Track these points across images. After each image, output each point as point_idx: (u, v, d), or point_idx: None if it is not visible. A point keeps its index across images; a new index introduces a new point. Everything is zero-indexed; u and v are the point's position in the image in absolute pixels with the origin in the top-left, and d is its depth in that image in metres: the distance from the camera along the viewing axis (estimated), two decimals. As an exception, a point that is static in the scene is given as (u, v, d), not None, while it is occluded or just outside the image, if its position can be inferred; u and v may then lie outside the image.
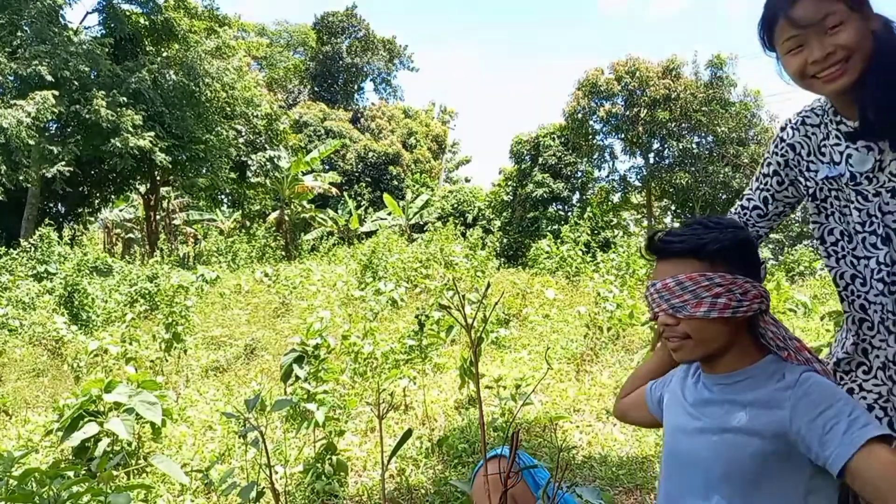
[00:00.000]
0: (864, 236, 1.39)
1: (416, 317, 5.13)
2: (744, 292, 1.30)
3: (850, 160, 1.39)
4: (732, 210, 1.68)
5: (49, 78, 14.76)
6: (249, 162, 21.77)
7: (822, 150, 1.46)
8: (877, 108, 1.31)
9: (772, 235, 30.48)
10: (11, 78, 15.37)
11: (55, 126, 16.87)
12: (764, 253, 16.04)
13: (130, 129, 15.92)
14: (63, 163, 15.26)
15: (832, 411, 1.21)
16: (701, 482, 1.34)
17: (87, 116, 15.47)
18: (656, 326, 1.43)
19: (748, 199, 1.63)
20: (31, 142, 14.45)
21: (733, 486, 1.29)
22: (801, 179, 1.51)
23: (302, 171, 25.01)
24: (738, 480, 1.28)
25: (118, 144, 15.65)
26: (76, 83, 15.64)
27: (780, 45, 1.36)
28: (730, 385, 1.36)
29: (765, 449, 1.26)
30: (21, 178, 14.74)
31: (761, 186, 1.61)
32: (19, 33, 15.36)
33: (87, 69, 15.43)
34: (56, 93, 14.89)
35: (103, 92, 15.84)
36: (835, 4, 1.27)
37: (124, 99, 16.20)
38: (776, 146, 1.56)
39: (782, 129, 1.56)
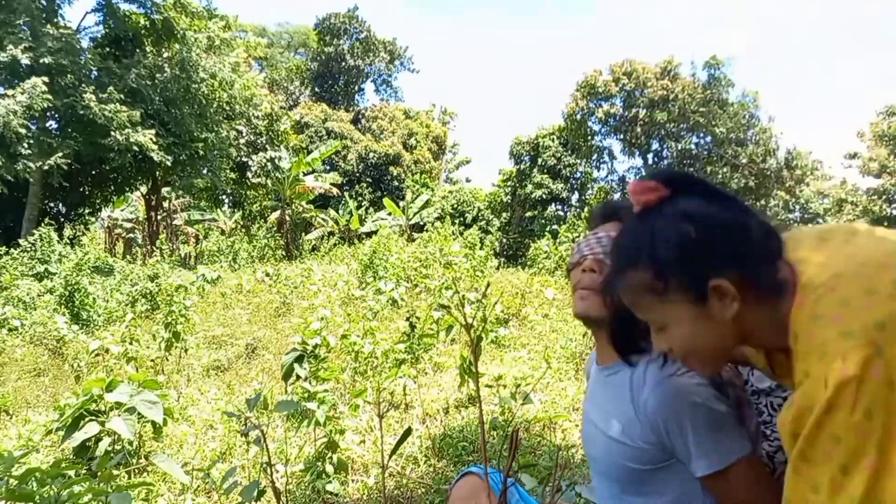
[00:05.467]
0: None
1: (407, 319, 5.16)
2: None
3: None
4: None
5: (25, 62, 14.74)
6: (250, 162, 21.76)
7: None
8: None
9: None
10: None
11: (55, 123, 16.85)
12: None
13: (127, 124, 15.89)
14: (59, 155, 15.22)
15: (677, 438, 1.22)
16: (602, 470, 1.40)
17: (83, 112, 15.46)
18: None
19: None
20: (24, 131, 14.41)
21: (622, 483, 1.34)
22: None
23: (303, 172, 25.02)
24: (626, 479, 1.33)
25: (118, 138, 15.61)
26: (69, 76, 15.60)
27: None
28: (607, 378, 1.38)
29: (641, 456, 1.28)
30: (19, 168, 14.70)
31: None
32: (12, 29, 15.34)
33: (66, 62, 15.38)
34: (46, 79, 14.86)
35: (94, 86, 15.81)
36: None
37: (121, 96, 16.18)
38: None
39: None
